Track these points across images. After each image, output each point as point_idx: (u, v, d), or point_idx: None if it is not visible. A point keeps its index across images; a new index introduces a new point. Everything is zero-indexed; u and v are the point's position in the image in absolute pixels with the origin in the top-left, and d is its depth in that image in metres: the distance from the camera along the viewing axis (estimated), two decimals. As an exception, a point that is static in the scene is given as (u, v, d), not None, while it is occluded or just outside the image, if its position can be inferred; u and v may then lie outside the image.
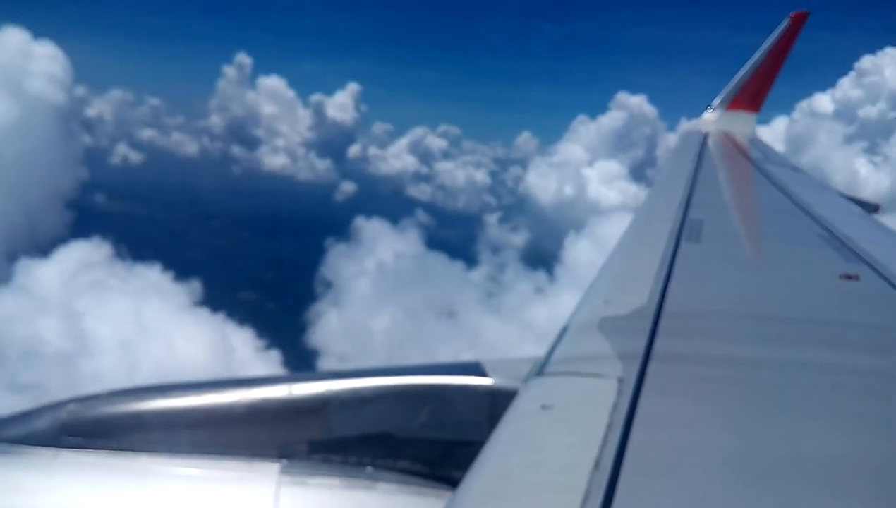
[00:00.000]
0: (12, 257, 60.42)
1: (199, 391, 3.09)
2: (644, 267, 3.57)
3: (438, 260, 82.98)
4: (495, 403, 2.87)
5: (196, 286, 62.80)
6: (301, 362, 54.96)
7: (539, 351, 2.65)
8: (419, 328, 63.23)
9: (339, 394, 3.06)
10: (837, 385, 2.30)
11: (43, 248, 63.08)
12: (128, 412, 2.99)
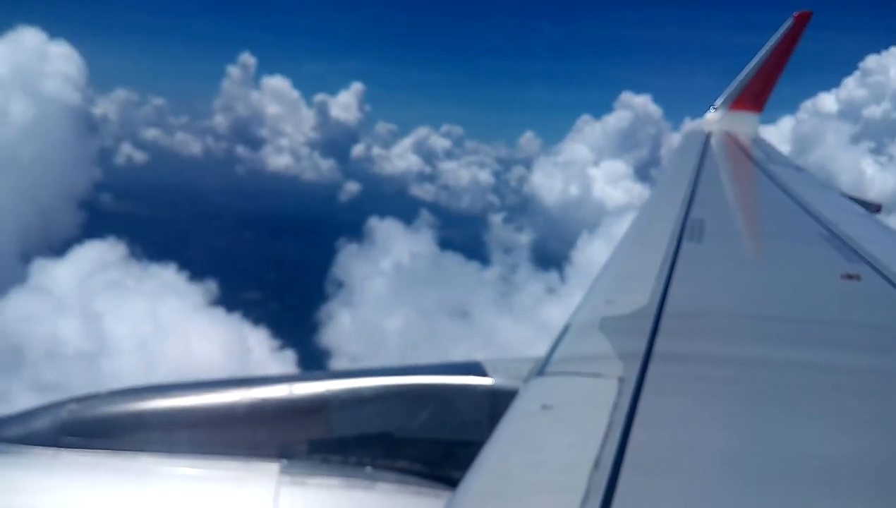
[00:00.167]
0: (27, 257, 60.64)
1: (199, 391, 3.09)
2: (645, 267, 3.56)
3: (451, 261, 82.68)
4: (495, 403, 2.86)
5: (211, 286, 62.80)
6: (315, 362, 54.86)
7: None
8: (432, 328, 62.91)
9: (338, 394, 3.05)
10: (838, 385, 2.29)
11: (57, 248, 63.31)
12: (127, 412, 3.00)
